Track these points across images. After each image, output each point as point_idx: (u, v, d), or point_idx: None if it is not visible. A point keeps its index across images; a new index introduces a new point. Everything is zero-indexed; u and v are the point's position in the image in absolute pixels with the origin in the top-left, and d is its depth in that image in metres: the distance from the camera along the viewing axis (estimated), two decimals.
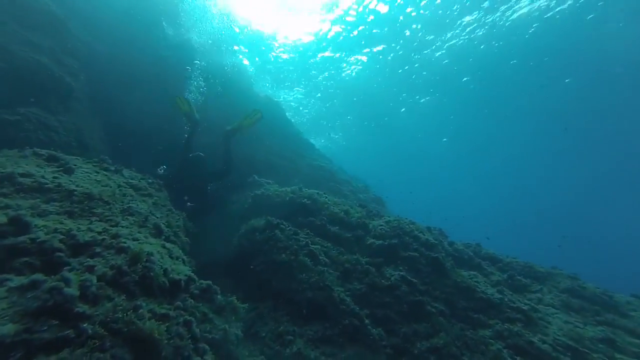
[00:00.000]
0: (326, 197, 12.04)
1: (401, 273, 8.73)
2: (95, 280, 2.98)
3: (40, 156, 5.95)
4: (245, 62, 29.32)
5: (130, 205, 4.99)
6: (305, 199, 11.58)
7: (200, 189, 12.34)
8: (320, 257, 8.52)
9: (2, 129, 7.77)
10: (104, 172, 6.09)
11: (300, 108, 36.71)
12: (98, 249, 3.76)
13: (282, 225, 9.17)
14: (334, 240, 9.68)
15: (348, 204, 11.84)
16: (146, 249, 3.99)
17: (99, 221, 4.37)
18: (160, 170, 11.37)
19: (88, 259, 3.53)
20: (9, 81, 8.51)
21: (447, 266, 9.05)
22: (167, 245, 4.77)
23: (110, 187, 5.35)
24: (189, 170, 11.50)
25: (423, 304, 7.73)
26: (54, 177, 4.82)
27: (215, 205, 13.22)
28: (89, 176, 5.53)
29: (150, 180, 7.02)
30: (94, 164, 6.46)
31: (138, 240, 4.29)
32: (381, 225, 10.39)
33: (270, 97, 24.95)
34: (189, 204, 11.24)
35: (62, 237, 3.58)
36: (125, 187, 5.68)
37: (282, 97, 34.12)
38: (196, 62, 16.72)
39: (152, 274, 3.63)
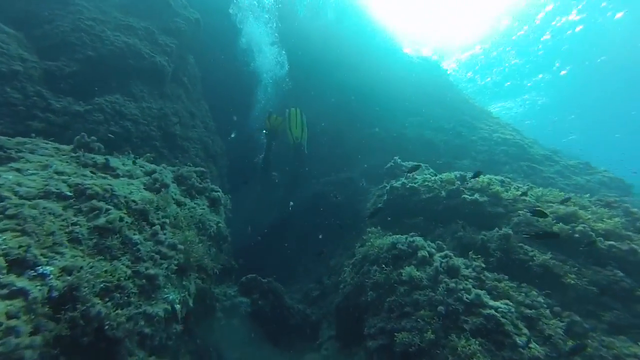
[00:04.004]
0: (518, 188, 6.43)
1: None
2: None
3: None
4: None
5: None
6: (477, 194, 6.37)
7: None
8: (517, 339, 3.46)
9: (71, 122, 6.49)
10: (57, 168, 3.26)
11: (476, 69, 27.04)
12: None
13: (422, 252, 4.50)
14: (542, 281, 4.28)
15: (565, 198, 5.81)
16: None
17: None
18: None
19: None
20: (96, 70, 7.32)
21: None
22: None
23: None
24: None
25: None
26: None
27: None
28: None
29: (157, 176, 3.88)
30: (71, 158, 3.77)
31: None
32: None
33: (428, 59, 19.30)
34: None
35: None
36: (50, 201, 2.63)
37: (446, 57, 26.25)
38: None
39: None
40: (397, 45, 17.02)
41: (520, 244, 4.60)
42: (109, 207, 2.97)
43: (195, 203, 4.32)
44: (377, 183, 9.73)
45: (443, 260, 4.32)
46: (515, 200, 5.86)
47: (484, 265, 4.40)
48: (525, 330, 3.42)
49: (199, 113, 9.18)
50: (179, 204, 3.97)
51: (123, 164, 4.02)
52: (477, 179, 6.82)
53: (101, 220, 2.78)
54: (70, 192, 2.96)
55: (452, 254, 4.63)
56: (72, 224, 2.63)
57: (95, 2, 8.32)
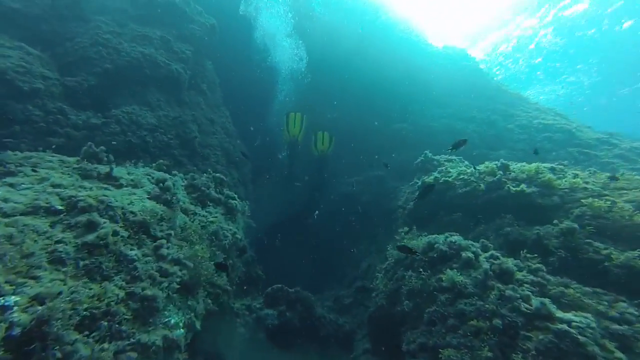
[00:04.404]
0: (575, 175, 5.56)
1: None
2: None
3: None
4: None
5: None
6: (523, 184, 5.56)
7: None
8: None
9: (90, 135, 6.41)
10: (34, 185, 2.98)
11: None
12: None
13: (466, 254, 3.85)
14: (627, 287, 3.45)
15: None
16: None
17: None
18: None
19: None
20: (113, 81, 7.26)
21: None
22: None
23: None
24: None
25: None
26: None
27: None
28: None
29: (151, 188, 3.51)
30: (73, 169, 3.51)
31: None
32: None
33: (454, 47, 18.20)
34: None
35: None
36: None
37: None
38: None
39: None
40: (419, 36, 16.15)
41: (589, 240, 3.81)
42: (103, 220, 2.62)
43: (207, 212, 3.94)
44: (407, 180, 9.03)
45: (495, 262, 3.64)
46: (573, 189, 5.02)
47: (544, 268, 3.67)
48: (619, 354, 2.68)
49: (218, 119, 8.95)
50: (189, 213, 3.59)
51: (128, 173, 3.71)
52: (522, 167, 6.01)
53: (91, 236, 2.43)
54: (61, 205, 2.65)
55: (499, 254, 3.94)
56: (57, 242, 2.29)
57: (113, 15, 8.34)
